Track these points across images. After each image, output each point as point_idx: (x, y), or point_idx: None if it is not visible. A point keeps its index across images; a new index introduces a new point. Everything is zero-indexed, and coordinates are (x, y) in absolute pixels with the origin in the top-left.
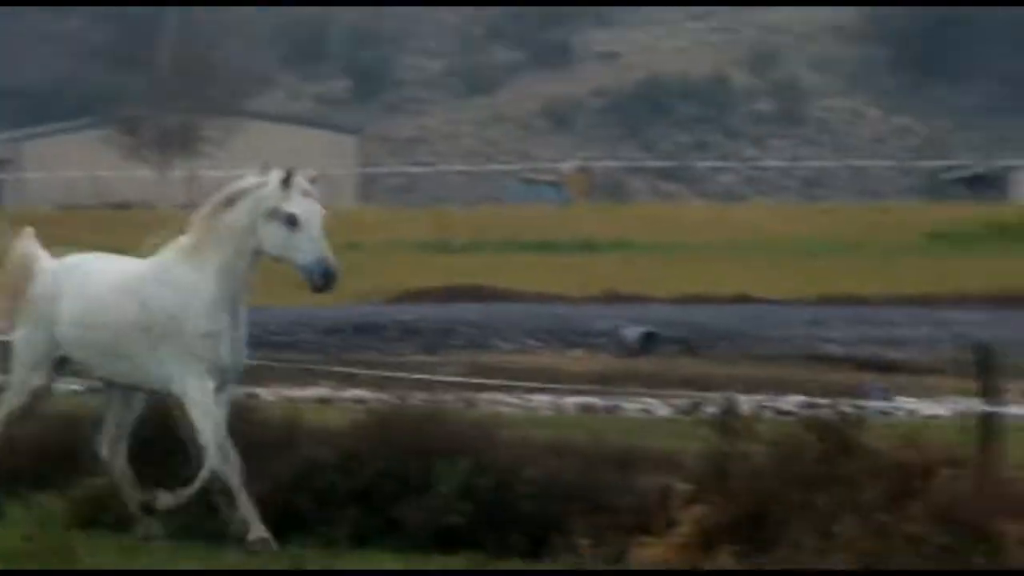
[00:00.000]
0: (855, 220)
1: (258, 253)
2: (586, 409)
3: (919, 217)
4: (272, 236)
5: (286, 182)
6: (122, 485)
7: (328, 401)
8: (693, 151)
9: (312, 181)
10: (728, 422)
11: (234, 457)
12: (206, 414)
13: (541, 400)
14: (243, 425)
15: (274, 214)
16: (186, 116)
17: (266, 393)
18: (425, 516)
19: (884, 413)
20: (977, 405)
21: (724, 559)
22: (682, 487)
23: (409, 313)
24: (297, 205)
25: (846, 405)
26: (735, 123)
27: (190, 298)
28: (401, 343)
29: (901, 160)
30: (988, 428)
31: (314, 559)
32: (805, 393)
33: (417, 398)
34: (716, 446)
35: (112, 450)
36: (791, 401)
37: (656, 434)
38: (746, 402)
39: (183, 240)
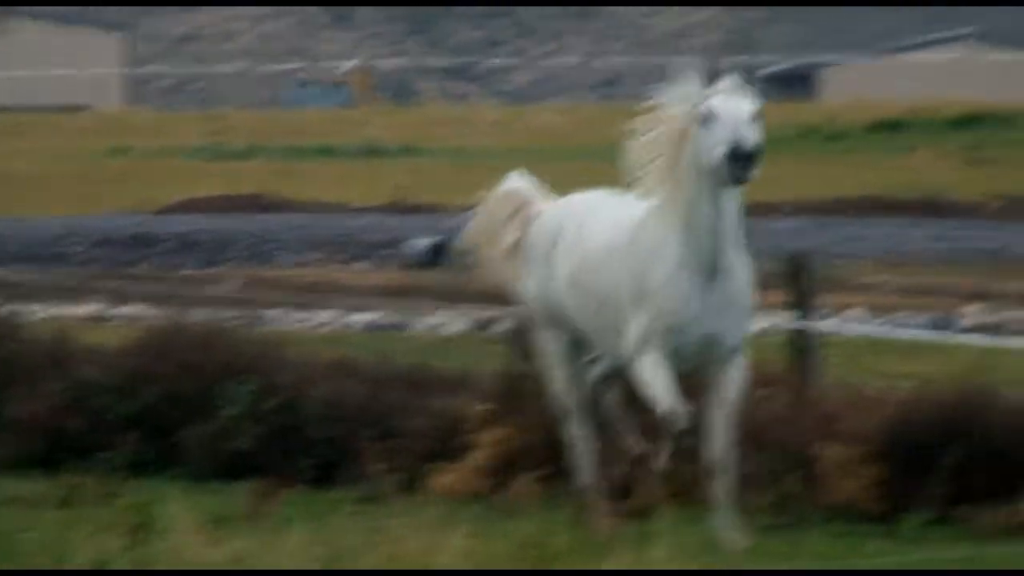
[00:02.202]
0: None
1: (717, 179)
2: (374, 326)
3: None
4: (699, 146)
5: (711, 80)
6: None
7: (101, 319)
8: (483, 49)
9: (749, 80)
10: (523, 340)
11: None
12: (656, 395)
13: (326, 317)
14: (9, 344)
15: (700, 121)
16: None
17: (33, 310)
18: (209, 441)
19: None
20: (790, 319)
21: (524, 485)
22: (478, 409)
23: (184, 224)
24: (717, 100)
25: None
26: (527, 18)
27: (654, 264)
28: (177, 256)
29: (704, 57)
30: (802, 344)
31: (92, 487)
32: None
33: (197, 315)
34: (512, 365)
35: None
36: None
37: (449, 352)
38: None
39: (652, 188)
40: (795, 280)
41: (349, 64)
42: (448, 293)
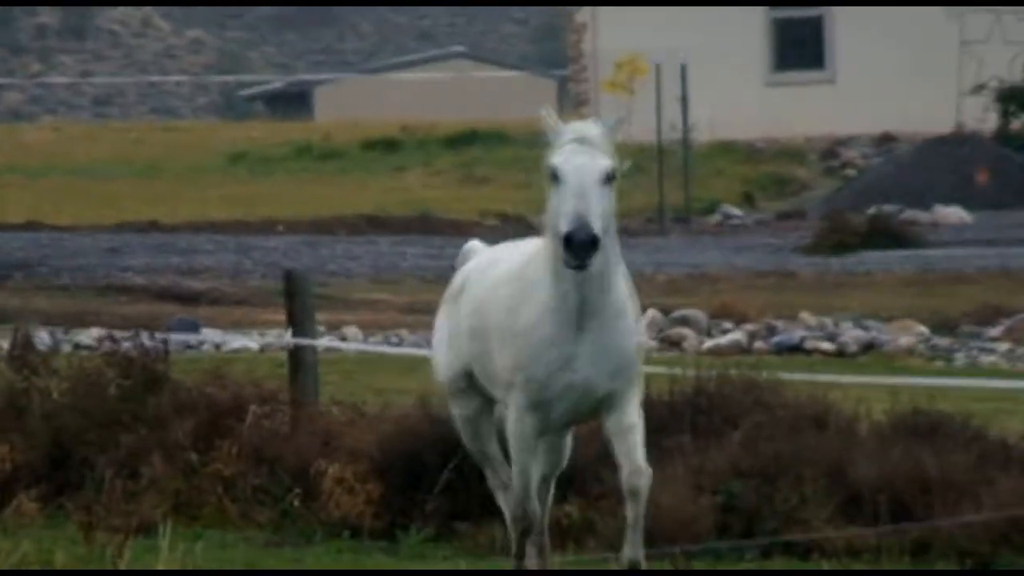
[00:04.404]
0: (150, 140)
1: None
2: None
3: (218, 137)
4: (549, 205)
5: (552, 129)
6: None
7: None
8: None
9: (614, 127)
10: (23, 357)
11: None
12: (516, 456)
13: None
14: None
15: (550, 176)
16: None
17: None
18: None
19: (190, 347)
20: (286, 337)
21: (25, 503)
22: None
23: None
24: (562, 156)
25: (149, 338)
26: (19, 38)
27: (525, 304)
28: None
29: (195, 76)
30: (299, 361)
31: None
32: (104, 326)
33: None
34: (11, 382)
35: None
36: (91, 334)
37: None
38: (42, 335)
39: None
40: (291, 298)
41: None
42: None
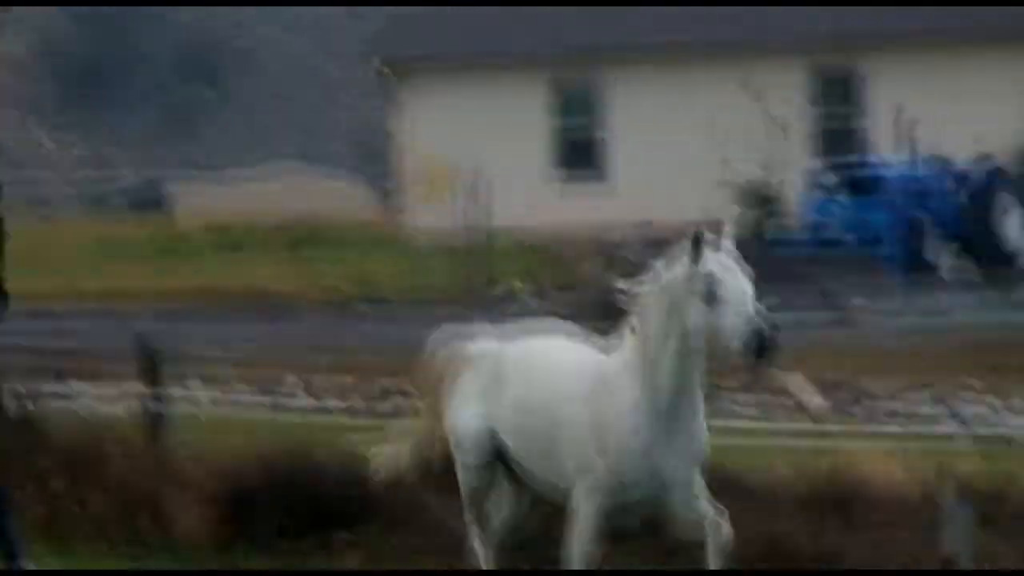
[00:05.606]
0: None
1: (686, 337)
2: None
3: (86, 231)
4: (700, 323)
5: (696, 244)
6: None
7: None
8: None
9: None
10: None
11: None
12: (579, 536)
13: None
14: None
15: (701, 296)
16: None
17: None
18: None
19: (62, 402)
20: (144, 400)
21: None
22: None
23: None
24: (723, 279)
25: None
26: None
27: (615, 405)
28: None
29: (66, 174)
30: (157, 412)
31: None
32: None
33: None
34: None
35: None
36: None
37: None
38: None
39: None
40: (149, 367)
41: None
42: None
